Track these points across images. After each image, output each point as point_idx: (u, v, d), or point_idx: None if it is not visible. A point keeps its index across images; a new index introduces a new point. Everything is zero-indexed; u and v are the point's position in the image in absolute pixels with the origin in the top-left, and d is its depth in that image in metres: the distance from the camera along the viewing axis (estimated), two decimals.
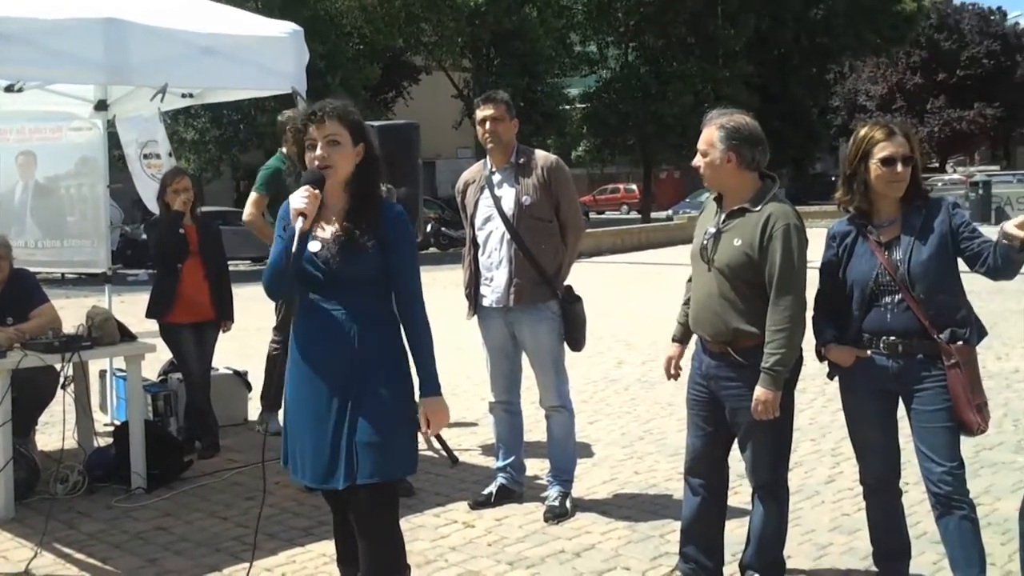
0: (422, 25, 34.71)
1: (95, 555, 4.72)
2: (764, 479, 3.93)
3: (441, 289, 14.19)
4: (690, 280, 4.14)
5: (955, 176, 40.41)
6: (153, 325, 6.53)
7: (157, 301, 6.41)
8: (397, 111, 37.62)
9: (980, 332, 3.69)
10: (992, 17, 56.21)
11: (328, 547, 4.32)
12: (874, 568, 4.07)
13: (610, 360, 9.75)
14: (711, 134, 3.80)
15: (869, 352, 3.72)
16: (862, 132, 3.72)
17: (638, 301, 14.46)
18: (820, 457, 6.08)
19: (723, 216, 3.85)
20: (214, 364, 6.80)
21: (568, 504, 5.15)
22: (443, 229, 28.61)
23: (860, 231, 3.75)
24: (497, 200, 5.08)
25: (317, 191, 3.19)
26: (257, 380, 7.36)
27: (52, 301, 5.88)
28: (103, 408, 7.49)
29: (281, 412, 3.92)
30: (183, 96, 6.74)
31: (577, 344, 5.19)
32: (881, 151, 3.62)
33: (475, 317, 5.28)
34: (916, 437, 3.69)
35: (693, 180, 49.39)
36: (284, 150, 6.29)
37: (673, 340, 4.24)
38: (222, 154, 31.61)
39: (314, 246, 3.25)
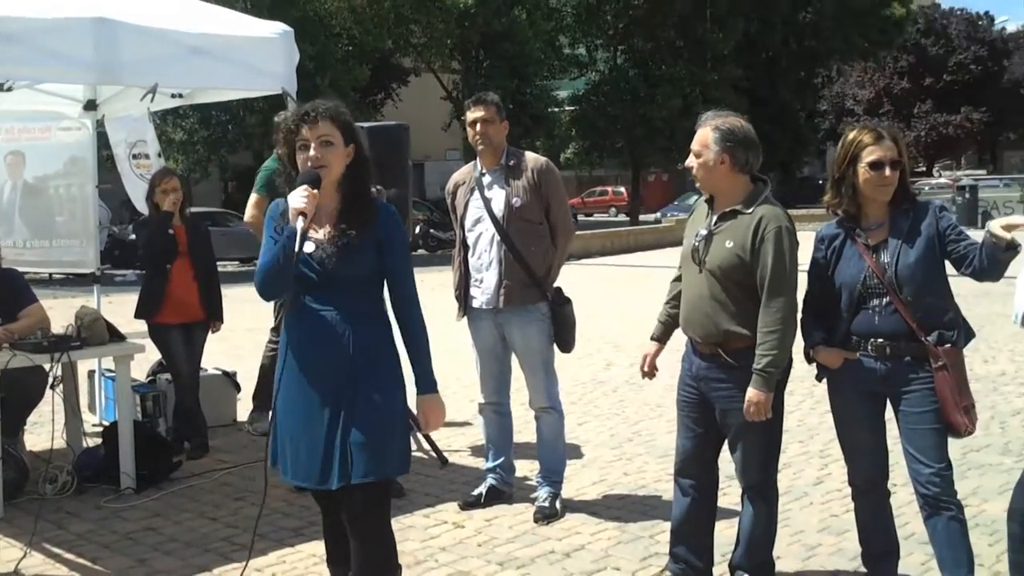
0: (411, 27, 34.73)
1: (85, 555, 4.71)
2: (754, 480, 3.95)
3: (430, 291, 14.09)
4: (675, 280, 4.16)
5: (942, 180, 40.58)
6: (141, 325, 6.52)
7: (146, 302, 6.40)
8: (386, 113, 37.63)
9: (968, 334, 3.71)
10: (980, 22, 56.46)
11: (318, 547, 4.32)
12: (862, 569, 4.10)
13: (599, 362, 9.77)
14: (705, 135, 3.81)
15: (857, 354, 3.74)
16: (850, 136, 3.74)
17: (627, 303, 14.49)
18: (808, 459, 6.11)
19: (715, 218, 3.87)
20: (203, 364, 6.79)
21: (558, 505, 5.16)
22: (431, 231, 28.63)
23: (848, 234, 3.77)
24: (487, 202, 5.09)
25: (316, 191, 3.20)
26: (246, 381, 7.36)
27: (40, 301, 5.86)
28: (91, 408, 7.47)
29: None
30: (172, 96, 6.72)
31: (567, 346, 5.20)
32: (869, 155, 3.65)
33: (465, 318, 5.29)
34: (904, 439, 3.72)
35: (681, 183, 49.68)
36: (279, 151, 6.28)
37: (652, 339, 4.25)
38: (210, 155, 31.58)
39: (308, 247, 3.25)
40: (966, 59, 53.74)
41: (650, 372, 4.24)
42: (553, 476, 5.25)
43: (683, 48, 38.94)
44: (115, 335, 5.84)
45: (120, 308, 7.84)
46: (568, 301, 5.17)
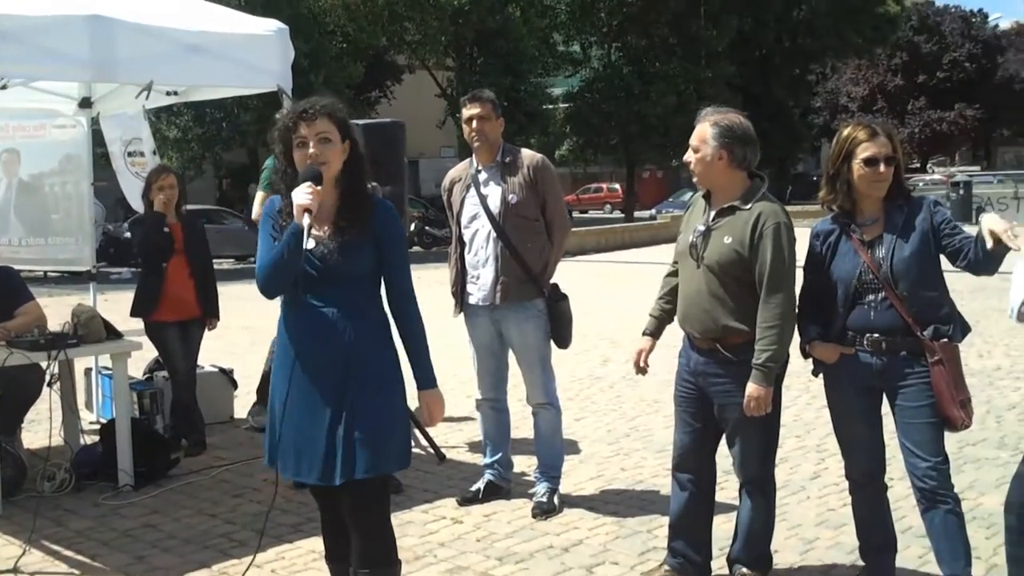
0: (405, 24, 34.70)
1: (83, 552, 4.72)
2: (752, 474, 3.97)
3: (426, 287, 14.08)
4: (668, 275, 4.17)
5: (936, 176, 40.65)
6: (138, 323, 6.51)
7: (142, 300, 6.40)
8: (381, 110, 37.62)
9: (963, 329, 3.73)
10: (973, 19, 56.48)
11: (316, 544, 4.33)
12: (860, 562, 4.11)
13: (595, 358, 9.79)
14: (704, 131, 3.82)
15: (853, 349, 3.76)
16: (845, 132, 3.75)
17: (623, 299, 14.50)
18: (805, 453, 6.13)
19: (712, 214, 3.88)
20: (199, 362, 6.79)
21: (556, 500, 5.17)
22: (427, 228, 28.65)
23: (843, 230, 3.78)
24: (483, 198, 5.09)
25: (319, 187, 3.20)
26: (242, 378, 7.37)
27: (36, 299, 5.85)
28: (89, 406, 7.47)
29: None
30: (168, 94, 6.71)
31: (563, 342, 5.21)
32: (864, 151, 3.66)
33: (461, 315, 5.30)
34: (901, 433, 3.73)
35: (676, 179, 49.76)
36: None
37: (644, 334, 4.24)
38: (205, 152, 31.55)
39: (309, 243, 3.25)
40: (960, 56, 53.73)
41: (644, 369, 4.24)
42: (551, 472, 5.26)
43: (677, 45, 38.94)
44: (112, 333, 5.84)
45: (116, 306, 7.83)
46: (564, 297, 5.18)
